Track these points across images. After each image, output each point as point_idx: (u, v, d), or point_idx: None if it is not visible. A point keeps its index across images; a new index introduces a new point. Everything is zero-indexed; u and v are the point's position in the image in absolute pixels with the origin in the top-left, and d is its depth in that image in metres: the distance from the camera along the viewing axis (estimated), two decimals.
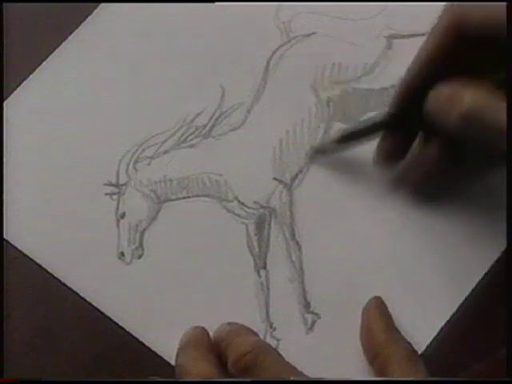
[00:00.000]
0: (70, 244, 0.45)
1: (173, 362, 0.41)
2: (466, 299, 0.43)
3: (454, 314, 0.43)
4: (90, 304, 0.44)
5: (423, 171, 0.44)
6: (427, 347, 0.42)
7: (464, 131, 0.38)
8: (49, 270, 0.45)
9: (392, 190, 0.46)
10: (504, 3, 0.37)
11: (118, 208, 0.46)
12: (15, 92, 0.50)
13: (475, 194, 0.45)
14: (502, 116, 0.36)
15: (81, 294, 0.44)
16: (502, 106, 0.36)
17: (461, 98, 0.38)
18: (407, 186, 0.46)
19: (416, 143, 0.44)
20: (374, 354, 0.40)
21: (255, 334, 0.42)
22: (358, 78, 0.49)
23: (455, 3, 0.39)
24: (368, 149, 0.45)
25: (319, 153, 0.47)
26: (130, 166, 0.47)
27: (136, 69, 0.50)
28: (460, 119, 0.38)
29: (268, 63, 0.49)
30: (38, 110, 0.49)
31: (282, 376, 0.38)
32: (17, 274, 0.45)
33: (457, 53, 0.40)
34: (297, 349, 0.42)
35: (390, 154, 0.45)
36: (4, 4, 0.51)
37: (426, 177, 0.44)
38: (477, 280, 0.43)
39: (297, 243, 0.45)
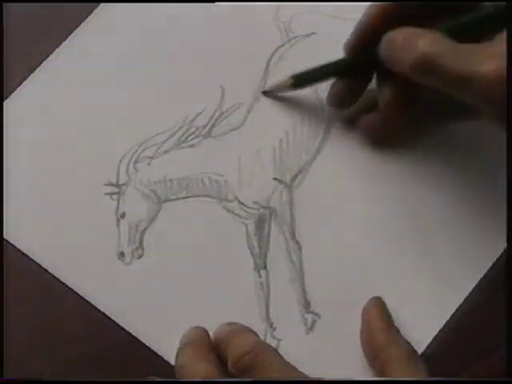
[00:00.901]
0: (69, 244, 0.45)
1: (173, 362, 0.41)
2: (466, 299, 0.43)
3: (453, 314, 0.43)
4: (90, 304, 0.44)
5: (380, 112, 0.45)
6: (427, 347, 0.42)
7: (418, 77, 0.39)
8: (49, 270, 0.45)
9: (348, 130, 0.47)
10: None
11: (118, 208, 0.46)
12: (15, 92, 0.50)
13: (475, 193, 0.45)
14: (454, 62, 0.37)
15: (81, 294, 0.44)
16: (453, 51, 0.37)
17: (414, 45, 0.38)
18: (364, 128, 0.46)
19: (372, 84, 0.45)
20: (374, 354, 0.40)
21: (255, 334, 0.42)
22: None
23: None
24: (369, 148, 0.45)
25: (269, 94, 0.48)
26: (130, 166, 0.47)
27: (136, 69, 0.50)
28: (414, 65, 0.38)
29: (268, 63, 0.49)
30: (38, 110, 0.49)
31: (281, 376, 0.38)
32: (17, 274, 0.45)
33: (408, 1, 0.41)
34: (297, 349, 0.42)
35: (344, 96, 0.45)
36: (4, 4, 0.51)
37: (384, 119, 0.45)
38: (477, 280, 0.43)
39: (297, 243, 0.45)
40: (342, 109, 0.47)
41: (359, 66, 0.45)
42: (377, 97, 0.44)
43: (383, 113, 0.44)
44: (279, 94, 0.48)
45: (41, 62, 0.50)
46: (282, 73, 0.49)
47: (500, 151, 0.45)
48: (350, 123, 0.47)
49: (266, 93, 0.48)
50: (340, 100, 0.46)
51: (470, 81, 0.36)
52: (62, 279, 0.45)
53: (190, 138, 0.48)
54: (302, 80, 0.47)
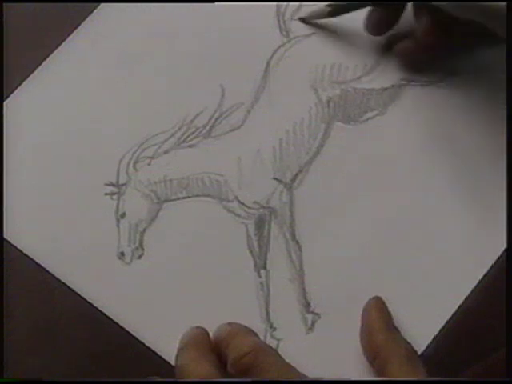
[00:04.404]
0: (70, 244, 0.45)
1: (173, 362, 0.41)
2: (466, 299, 0.43)
3: (453, 314, 0.43)
4: (90, 304, 0.44)
5: (415, 41, 0.46)
6: (427, 347, 0.42)
7: (452, 8, 0.41)
8: (49, 270, 0.45)
9: (382, 58, 0.48)
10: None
11: (118, 208, 0.46)
12: (15, 92, 0.50)
13: (475, 193, 0.45)
14: None
15: (81, 294, 0.44)
16: None
17: None
18: (399, 53, 0.48)
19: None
20: (373, 354, 0.40)
21: (255, 334, 0.42)
22: (357, 78, 0.49)
23: None
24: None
25: (305, 21, 0.50)
26: (130, 166, 0.47)
27: (136, 69, 0.50)
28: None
29: (268, 63, 0.49)
30: (38, 110, 0.49)
31: (281, 377, 0.38)
32: (17, 274, 0.45)
33: None
34: (297, 349, 0.42)
35: (380, 24, 0.47)
36: (4, 4, 0.51)
37: (420, 46, 0.46)
38: (477, 280, 0.43)
39: (297, 243, 0.45)
40: (377, 36, 0.48)
41: None
42: (410, 26, 0.46)
43: (419, 39, 0.46)
44: (314, 21, 0.50)
45: (41, 62, 0.50)
46: (283, 73, 0.49)
47: (500, 151, 0.45)
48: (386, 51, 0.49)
49: (302, 19, 0.50)
50: (376, 27, 0.48)
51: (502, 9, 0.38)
52: (62, 279, 0.45)
53: (190, 137, 0.48)
54: (339, 8, 0.48)
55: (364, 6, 0.47)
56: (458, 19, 0.42)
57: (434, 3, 0.43)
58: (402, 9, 0.47)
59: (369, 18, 0.47)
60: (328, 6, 0.48)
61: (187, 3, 0.51)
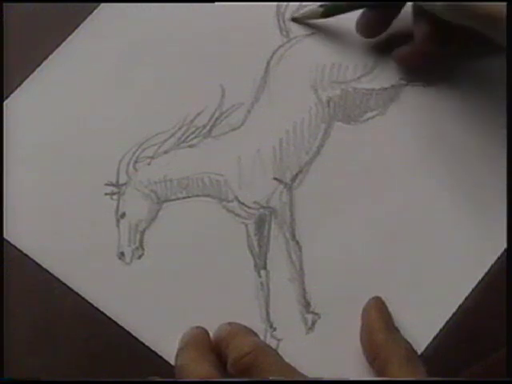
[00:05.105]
0: (70, 244, 0.45)
1: (173, 362, 0.41)
2: (466, 299, 0.43)
3: (453, 314, 0.43)
4: (90, 304, 0.44)
5: (414, 47, 0.46)
6: (427, 347, 0.42)
7: (449, 16, 0.41)
8: (49, 270, 0.45)
9: (382, 58, 0.48)
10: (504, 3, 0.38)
11: (118, 208, 0.46)
12: (15, 92, 0.50)
13: (476, 193, 0.45)
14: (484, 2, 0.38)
15: (81, 294, 0.44)
16: None
17: None
18: (398, 60, 0.48)
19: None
20: (373, 354, 0.40)
21: (255, 334, 0.42)
22: (357, 78, 0.49)
23: None
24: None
25: (298, 21, 0.50)
26: (130, 166, 0.47)
27: (136, 69, 0.50)
28: (445, 5, 0.40)
29: (268, 63, 0.49)
30: (38, 110, 0.49)
31: (281, 377, 0.38)
32: (17, 274, 0.45)
33: None
34: (297, 349, 0.42)
35: (373, 26, 0.47)
36: (4, 4, 0.51)
37: (419, 52, 0.46)
38: (477, 280, 0.43)
39: (297, 243, 0.45)
40: (369, 38, 0.48)
41: None
42: (408, 30, 0.46)
43: (418, 46, 0.45)
44: (307, 22, 0.50)
45: (41, 62, 0.50)
46: (283, 73, 0.49)
47: (500, 151, 0.45)
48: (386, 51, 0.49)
49: (294, 19, 0.50)
50: (368, 29, 0.47)
51: (500, 20, 0.37)
52: (62, 279, 0.45)
53: (190, 137, 0.48)
54: (332, 9, 0.48)
55: (357, 8, 0.47)
56: (457, 27, 0.42)
57: (430, 11, 0.43)
58: (396, 12, 0.47)
59: (361, 19, 0.47)
60: (321, 6, 0.48)
61: (187, 3, 0.51)
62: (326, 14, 0.48)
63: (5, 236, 0.46)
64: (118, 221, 0.46)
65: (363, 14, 0.47)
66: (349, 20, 0.49)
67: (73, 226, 0.46)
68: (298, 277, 0.44)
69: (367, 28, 0.47)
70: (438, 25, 0.44)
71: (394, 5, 0.47)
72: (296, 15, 0.50)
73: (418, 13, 0.45)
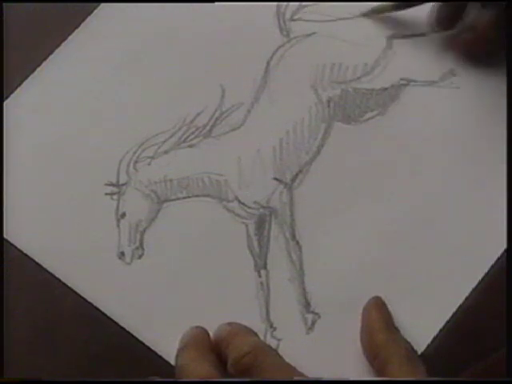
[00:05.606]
0: (70, 244, 0.45)
1: (173, 362, 0.41)
2: (466, 299, 0.43)
3: (454, 314, 0.43)
4: (90, 304, 0.44)
5: (479, 35, 0.47)
6: (427, 347, 0.42)
7: None
8: (49, 270, 0.45)
9: (446, 49, 0.49)
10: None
11: (118, 208, 0.46)
12: (15, 92, 0.50)
13: (476, 193, 0.45)
14: None
15: (81, 294, 0.44)
16: None
17: None
18: (460, 47, 0.48)
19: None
20: (373, 354, 0.40)
21: (255, 334, 0.42)
22: (358, 78, 0.49)
23: None
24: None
25: (375, 13, 0.49)
26: (130, 166, 0.47)
27: (136, 69, 0.50)
28: None
29: (268, 63, 0.49)
30: (38, 110, 0.49)
31: (281, 377, 0.38)
32: (17, 274, 0.45)
33: None
34: (297, 349, 0.42)
35: (447, 18, 0.48)
36: (4, 4, 0.51)
37: (481, 41, 0.47)
38: (477, 280, 0.43)
39: (297, 243, 0.45)
40: (444, 30, 0.48)
41: None
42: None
43: (483, 32, 0.46)
44: (380, 15, 0.50)
45: (41, 62, 0.50)
46: (283, 73, 0.49)
47: (500, 151, 0.45)
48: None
49: (365, 14, 0.50)
50: (443, 21, 0.48)
51: None
52: (62, 279, 0.45)
53: (190, 137, 0.48)
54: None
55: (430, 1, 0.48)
56: None
57: None
58: (465, 4, 0.48)
59: (437, 12, 0.48)
60: None
61: (187, 3, 0.51)
62: (399, 5, 0.49)
63: (5, 236, 0.46)
64: (118, 221, 0.46)
65: (440, 5, 0.48)
66: (349, 20, 0.49)
67: (73, 226, 0.46)
68: (298, 277, 0.44)
69: (444, 19, 0.48)
70: (502, 11, 0.45)
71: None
72: (365, 11, 0.50)
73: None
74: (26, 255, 0.45)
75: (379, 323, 0.41)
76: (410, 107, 0.48)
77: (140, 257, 0.45)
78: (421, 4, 0.48)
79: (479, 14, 0.47)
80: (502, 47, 0.47)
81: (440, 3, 0.48)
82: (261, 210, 0.46)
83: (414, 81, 0.48)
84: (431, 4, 0.48)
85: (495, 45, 0.47)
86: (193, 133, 0.48)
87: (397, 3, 0.49)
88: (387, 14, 0.50)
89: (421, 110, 0.48)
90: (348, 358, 0.42)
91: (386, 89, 0.48)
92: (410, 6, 0.49)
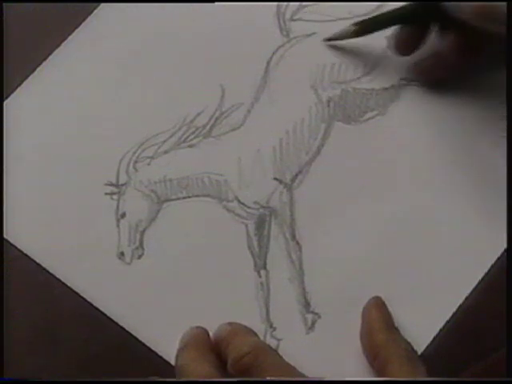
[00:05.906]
0: (70, 244, 0.45)
1: (173, 362, 0.41)
2: (466, 299, 0.43)
3: (454, 314, 0.43)
4: (90, 304, 0.44)
5: (440, 60, 0.46)
6: (427, 347, 0.42)
7: (479, 24, 0.41)
8: (49, 270, 0.45)
9: (408, 78, 0.48)
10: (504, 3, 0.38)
11: (118, 208, 0.46)
12: (15, 92, 0.50)
13: (475, 193, 0.45)
14: None
15: (81, 294, 0.44)
16: None
17: None
18: (422, 75, 0.48)
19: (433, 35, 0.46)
20: (373, 354, 0.40)
21: (255, 334, 0.42)
22: (357, 78, 0.49)
23: None
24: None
25: (335, 39, 0.49)
26: (130, 166, 0.47)
27: (136, 69, 0.50)
28: (475, 12, 0.40)
29: (268, 63, 0.49)
30: (38, 110, 0.49)
31: (281, 377, 0.38)
32: (17, 273, 0.45)
33: None
34: (297, 349, 0.42)
35: (407, 43, 0.46)
36: (4, 4, 0.51)
37: (442, 67, 0.46)
38: (477, 280, 0.43)
39: (297, 243, 0.45)
40: (403, 56, 0.47)
41: (422, 13, 0.45)
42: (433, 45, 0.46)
43: (445, 59, 0.46)
44: (343, 42, 0.49)
45: (41, 62, 0.50)
46: (283, 73, 0.49)
47: (500, 151, 0.45)
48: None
49: (328, 40, 0.49)
50: (402, 47, 0.47)
51: None
52: (62, 279, 0.45)
53: (190, 137, 0.48)
54: (365, 27, 0.47)
55: (391, 25, 0.47)
56: (483, 38, 0.42)
57: (460, 18, 0.42)
58: (429, 28, 0.46)
59: (395, 37, 0.47)
60: (354, 25, 0.47)
61: (187, 3, 0.51)
62: (359, 32, 0.47)
63: (5, 236, 0.46)
64: (118, 221, 0.46)
65: (398, 32, 0.46)
66: (349, 20, 0.49)
67: (73, 226, 0.46)
68: (298, 277, 0.44)
69: (403, 45, 0.47)
70: (467, 37, 0.44)
71: (427, 20, 0.46)
72: (328, 37, 0.49)
73: (445, 24, 0.45)
74: (26, 255, 0.45)
75: (379, 323, 0.41)
76: (410, 107, 0.48)
77: (140, 257, 0.45)
78: (382, 30, 0.47)
79: (439, 40, 0.46)
80: (464, 71, 0.46)
81: (398, 29, 0.46)
82: (261, 210, 0.46)
83: (414, 81, 0.48)
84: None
85: (456, 70, 0.46)
86: (193, 133, 0.48)
87: (357, 30, 0.47)
88: (347, 41, 0.49)
89: (421, 110, 0.48)
90: (348, 358, 0.42)
91: (386, 89, 0.48)
92: (371, 32, 0.47)
